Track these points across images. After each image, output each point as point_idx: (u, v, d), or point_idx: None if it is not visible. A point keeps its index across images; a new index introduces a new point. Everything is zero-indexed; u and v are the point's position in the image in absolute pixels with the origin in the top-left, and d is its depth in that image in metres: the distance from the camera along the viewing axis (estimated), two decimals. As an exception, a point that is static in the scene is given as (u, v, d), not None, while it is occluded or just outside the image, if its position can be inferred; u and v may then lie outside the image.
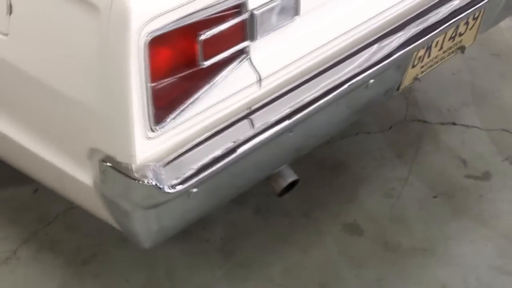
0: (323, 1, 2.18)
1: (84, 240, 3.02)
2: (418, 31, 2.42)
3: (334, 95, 2.18)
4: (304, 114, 2.11)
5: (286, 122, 2.07)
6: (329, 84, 2.19)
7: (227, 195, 2.21)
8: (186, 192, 1.94)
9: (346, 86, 2.20)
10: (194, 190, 1.98)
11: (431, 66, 2.71)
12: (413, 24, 2.41)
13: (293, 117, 2.10)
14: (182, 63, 1.87)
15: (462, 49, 2.79)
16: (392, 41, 2.34)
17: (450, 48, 2.75)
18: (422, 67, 2.66)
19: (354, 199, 3.16)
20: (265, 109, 2.08)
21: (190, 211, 2.06)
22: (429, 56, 2.65)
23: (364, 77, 2.25)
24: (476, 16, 2.74)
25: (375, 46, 2.31)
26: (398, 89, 2.62)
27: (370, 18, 2.32)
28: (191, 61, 1.88)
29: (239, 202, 3.15)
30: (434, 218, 3.09)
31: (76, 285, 2.87)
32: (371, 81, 2.33)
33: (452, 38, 2.70)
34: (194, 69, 1.89)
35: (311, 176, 3.27)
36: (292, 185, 2.50)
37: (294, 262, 2.92)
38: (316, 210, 3.13)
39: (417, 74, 2.65)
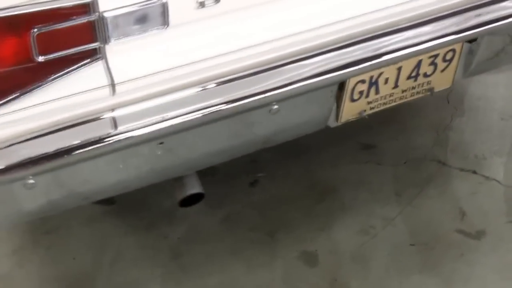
0: (202, 16, 2.01)
1: (54, 212, 3.03)
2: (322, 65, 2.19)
3: (204, 117, 2.03)
4: (157, 131, 1.98)
5: (134, 134, 1.96)
6: (200, 104, 2.03)
7: (81, 195, 2.13)
8: (20, 182, 1.89)
9: (217, 109, 2.04)
10: (31, 181, 1.92)
11: (385, 104, 2.49)
12: (320, 58, 2.18)
13: (144, 130, 1.97)
14: (14, 54, 1.81)
15: (431, 91, 2.50)
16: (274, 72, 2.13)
17: (414, 88, 2.48)
18: (369, 103, 2.42)
19: (327, 228, 2.97)
20: (117, 116, 1.97)
21: (31, 202, 2.01)
22: (377, 92, 2.38)
23: (242, 103, 2.07)
24: (449, 58, 2.44)
25: (267, 74, 2.12)
26: (337, 120, 2.38)
27: (267, 41, 2.13)
28: (24, 54, 1.82)
29: (213, 206, 3.06)
30: (399, 266, 2.85)
31: (29, 253, 2.91)
32: (275, 107, 2.13)
33: (413, 77, 2.43)
34: (30, 63, 1.83)
35: (295, 196, 3.15)
36: (198, 198, 2.36)
37: (234, 278, 2.80)
38: (283, 231, 2.97)
39: (364, 110, 2.43)
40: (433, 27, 2.35)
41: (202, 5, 2.00)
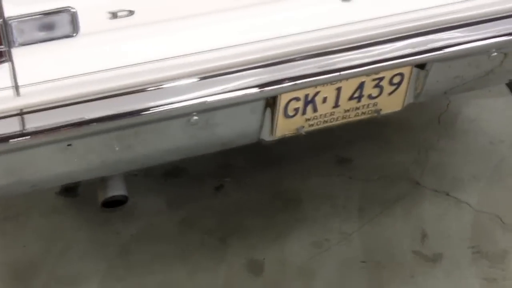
0: (115, 26, 2.00)
1: (19, 199, 3.06)
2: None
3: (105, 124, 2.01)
4: (61, 133, 1.98)
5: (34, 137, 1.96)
6: (103, 111, 2.02)
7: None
8: None
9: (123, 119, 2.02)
10: None
11: (326, 122, 2.43)
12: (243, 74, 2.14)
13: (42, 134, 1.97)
14: None
15: (377, 113, 2.42)
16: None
17: (358, 108, 2.40)
18: (308, 120, 2.37)
19: (281, 238, 2.90)
20: (24, 117, 1.97)
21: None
22: (315, 111, 2.32)
23: (151, 113, 2.04)
24: (396, 82, 2.35)
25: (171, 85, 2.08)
26: (272, 135, 2.34)
27: (181, 56, 2.09)
28: None
29: (172, 207, 3.04)
30: (344, 282, 2.77)
31: (-17, 238, 2.93)
32: (195, 118, 2.10)
33: (356, 98, 2.36)
34: None
35: (258, 203, 3.09)
36: (121, 201, 2.33)
37: (176, 280, 2.77)
38: (237, 237, 2.92)
39: (303, 126, 2.37)
40: (376, 50, 2.28)
41: (115, 16, 1.99)
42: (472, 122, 3.47)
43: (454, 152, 3.31)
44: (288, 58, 2.19)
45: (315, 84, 2.24)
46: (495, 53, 2.38)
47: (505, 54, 2.42)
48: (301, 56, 2.20)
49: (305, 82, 2.20)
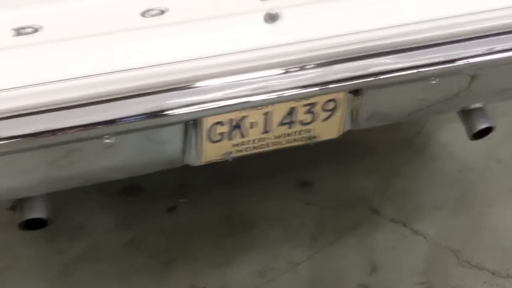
0: (19, 43, 1.93)
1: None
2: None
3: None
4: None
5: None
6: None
7: None
8: None
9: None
10: None
11: (256, 148, 2.33)
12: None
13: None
14: None
15: (311, 140, 2.31)
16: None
17: (290, 135, 2.31)
18: (235, 145, 2.27)
19: (226, 264, 2.82)
20: None
21: None
22: (244, 136, 2.24)
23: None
24: (330, 108, 2.24)
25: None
26: (199, 160, 2.28)
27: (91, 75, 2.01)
28: None
29: (121, 227, 2.97)
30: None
31: None
32: (107, 140, 2.02)
33: (287, 124, 2.26)
34: None
35: (209, 226, 3.01)
36: (42, 223, 2.27)
37: (109, 304, 2.68)
38: (181, 261, 2.85)
39: (230, 152, 2.27)
40: (305, 75, 2.16)
41: (18, 33, 1.91)
42: (444, 147, 3.33)
43: (420, 179, 3.18)
44: (209, 81, 2.06)
45: (238, 109, 2.13)
46: (435, 81, 2.24)
47: (448, 82, 2.28)
48: (223, 79, 2.09)
49: (224, 106, 2.09)
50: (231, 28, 2.09)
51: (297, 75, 2.14)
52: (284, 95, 2.14)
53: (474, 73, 2.30)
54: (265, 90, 2.13)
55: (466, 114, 2.57)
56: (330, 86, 2.15)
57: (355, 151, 3.31)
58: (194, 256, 2.86)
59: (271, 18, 2.07)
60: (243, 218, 3.02)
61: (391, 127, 3.28)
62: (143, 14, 1.96)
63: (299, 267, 2.82)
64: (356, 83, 2.17)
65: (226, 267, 2.82)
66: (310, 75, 2.14)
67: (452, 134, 3.41)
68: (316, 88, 2.15)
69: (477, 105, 2.54)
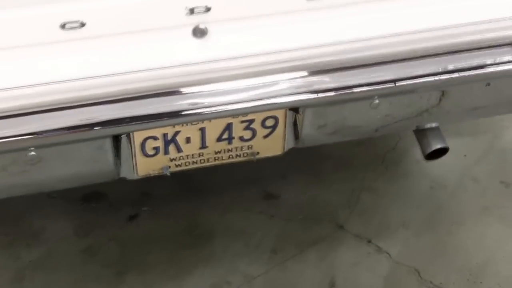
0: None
1: None
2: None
3: None
4: None
5: None
6: None
7: None
8: None
9: None
10: None
11: (195, 163, 2.27)
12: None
13: None
14: None
15: (254, 156, 2.24)
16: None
17: (230, 150, 2.25)
18: (173, 160, 2.23)
19: (180, 277, 2.77)
20: None
21: None
22: (180, 151, 2.20)
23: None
24: (270, 125, 2.17)
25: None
26: (135, 173, 2.23)
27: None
28: None
29: (79, 234, 2.94)
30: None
31: None
32: (32, 153, 1.98)
33: (225, 140, 2.19)
34: None
35: (168, 237, 2.94)
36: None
37: (60, 313, 2.61)
38: (135, 272, 2.79)
39: (168, 166, 2.23)
40: (237, 92, 2.09)
41: None
42: (417, 163, 3.23)
43: (390, 195, 3.09)
44: (137, 95, 2.01)
45: (166, 125, 2.06)
46: (377, 101, 2.14)
47: (393, 102, 2.19)
48: (151, 94, 2.01)
49: (150, 122, 2.04)
50: (159, 42, 2.04)
51: (228, 92, 2.07)
52: (214, 111, 2.08)
53: (419, 93, 2.20)
54: (195, 106, 2.06)
55: (421, 134, 2.47)
56: (263, 103, 2.08)
57: (327, 164, 3.22)
58: (148, 267, 2.79)
59: (201, 32, 1.99)
60: (204, 229, 2.94)
61: (366, 141, 3.20)
62: (63, 27, 1.89)
63: (254, 281, 2.75)
64: (288, 101, 2.11)
65: (181, 280, 2.75)
66: (242, 92, 2.06)
67: (427, 150, 3.28)
68: (248, 105, 2.08)
69: (433, 125, 2.42)
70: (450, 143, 3.20)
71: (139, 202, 3.06)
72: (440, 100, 2.27)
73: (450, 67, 2.11)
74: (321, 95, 2.11)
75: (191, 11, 1.98)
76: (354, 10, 2.09)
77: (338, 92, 2.11)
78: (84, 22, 1.94)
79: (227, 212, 3.02)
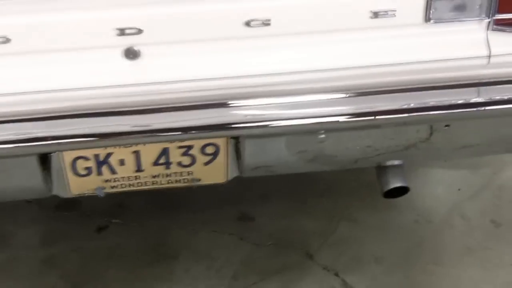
0: None
1: None
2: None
3: None
4: None
5: None
6: None
7: None
8: None
9: None
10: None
11: (132, 185, 2.19)
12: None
13: None
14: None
15: (195, 182, 2.15)
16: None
17: (169, 175, 2.15)
18: (107, 181, 2.15)
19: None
20: None
21: None
22: (114, 172, 2.12)
23: None
24: (210, 152, 2.07)
25: None
26: (68, 192, 2.16)
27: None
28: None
29: (44, 243, 2.93)
30: None
31: None
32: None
33: (163, 165, 2.10)
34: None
35: (132, 252, 2.86)
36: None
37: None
38: (91, 286, 2.69)
39: (103, 187, 2.17)
40: (163, 118, 1.98)
41: None
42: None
43: (369, 226, 2.93)
44: (63, 114, 1.93)
45: (91, 146, 1.99)
46: (324, 135, 2.01)
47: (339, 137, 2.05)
48: (78, 114, 1.93)
49: (74, 142, 1.96)
50: (90, 62, 1.96)
51: (158, 117, 1.96)
52: (140, 136, 1.97)
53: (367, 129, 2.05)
54: (121, 129, 1.96)
55: (381, 171, 2.30)
56: (188, 132, 1.98)
57: (312, 189, 3.08)
58: (105, 283, 2.72)
59: (133, 54, 1.90)
60: (170, 248, 2.85)
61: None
62: None
63: (210, 306, 2.62)
64: (218, 131, 1.99)
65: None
66: (172, 118, 1.96)
67: (418, 182, 3.13)
68: (173, 133, 1.95)
69: (395, 162, 2.26)
70: (446, 175, 3.05)
71: (111, 213, 2.99)
72: (392, 138, 2.11)
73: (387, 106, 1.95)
74: (257, 124, 1.98)
75: (122, 32, 1.87)
76: (296, 41, 1.96)
77: (276, 124, 1.97)
78: (9, 37, 1.86)
79: (198, 232, 2.92)
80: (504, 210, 2.99)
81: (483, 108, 1.97)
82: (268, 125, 1.97)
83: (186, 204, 2.99)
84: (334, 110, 2.01)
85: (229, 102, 1.97)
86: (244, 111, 1.97)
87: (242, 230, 2.92)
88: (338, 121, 2.00)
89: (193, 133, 1.98)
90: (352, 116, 2.00)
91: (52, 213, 3.00)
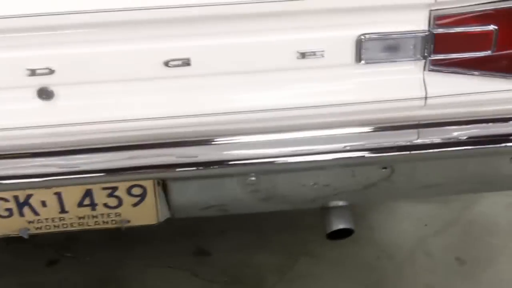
0: None
1: None
2: None
3: None
4: None
5: None
6: None
7: None
8: None
9: None
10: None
11: (57, 226, 2.10)
12: None
13: None
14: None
15: (123, 223, 2.06)
16: None
17: (96, 217, 2.08)
18: (31, 222, 2.07)
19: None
20: None
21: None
22: (37, 214, 2.04)
23: None
24: (137, 194, 1.98)
25: None
26: None
27: None
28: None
29: None
30: None
31: None
32: None
33: (89, 206, 2.03)
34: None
35: (82, 287, 2.76)
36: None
37: None
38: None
39: (27, 229, 2.08)
40: (84, 159, 1.90)
41: None
42: (370, 229, 2.96)
43: (330, 262, 2.82)
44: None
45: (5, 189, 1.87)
46: (253, 178, 1.91)
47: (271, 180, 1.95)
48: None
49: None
50: (4, 102, 1.86)
51: (72, 159, 1.88)
52: (55, 178, 1.87)
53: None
54: (33, 172, 1.89)
55: (325, 212, 2.19)
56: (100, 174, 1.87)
57: (274, 222, 2.97)
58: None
59: (46, 94, 1.81)
60: (121, 284, 2.76)
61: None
62: None
63: None
64: (131, 174, 1.89)
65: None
66: (86, 161, 1.86)
67: (383, 217, 3.01)
68: (90, 175, 1.86)
69: (340, 203, 2.15)
70: (415, 209, 2.93)
71: (65, 246, 2.90)
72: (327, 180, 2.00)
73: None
74: (179, 168, 1.90)
75: (33, 72, 1.78)
76: (219, 82, 1.86)
77: (193, 168, 1.86)
78: None
79: (151, 267, 2.81)
80: (470, 247, 2.87)
81: (415, 152, 1.86)
82: (188, 169, 1.87)
83: (141, 237, 2.89)
84: (263, 152, 1.89)
85: (149, 144, 1.86)
86: (164, 155, 1.87)
87: (197, 266, 2.82)
88: (266, 163, 1.88)
89: (106, 176, 1.89)
90: (283, 158, 1.89)
91: (5, 245, 2.90)
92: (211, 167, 1.90)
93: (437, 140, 1.90)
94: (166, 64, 1.80)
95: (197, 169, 1.90)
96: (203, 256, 2.86)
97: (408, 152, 1.89)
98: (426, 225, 2.97)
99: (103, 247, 2.88)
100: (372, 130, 1.91)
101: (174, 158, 1.89)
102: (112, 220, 2.07)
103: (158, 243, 2.90)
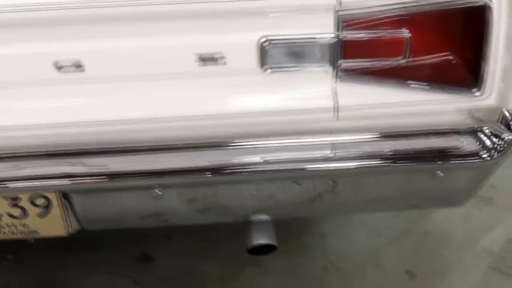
0: None
1: None
2: None
3: None
4: None
5: None
6: None
7: None
8: None
9: None
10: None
11: None
12: None
13: None
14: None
15: (32, 234, 1.98)
16: None
17: (2, 226, 2.00)
18: None
19: None
20: None
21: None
22: None
23: None
24: (41, 204, 1.92)
25: None
26: None
27: None
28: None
29: None
30: None
31: None
32: None
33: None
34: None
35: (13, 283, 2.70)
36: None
37: None
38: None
39: None
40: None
41: None
42: (322, 238, 2.84)
43: (276, 272, 2.72)
44: None
45: None
46: (160, 192, 1.81)
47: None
48: None
49: None
50: None
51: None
52: None
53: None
54: None
55: (247, 226, 2.08)
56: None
57: (222, 230, 2.86)
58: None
59: None
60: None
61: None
62: None
63: None
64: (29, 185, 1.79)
65: None
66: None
67: (336, 225, 2.90)
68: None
69: (262, 218, 2.04)
70: (369, 218, 2.81)
71: (8, 248, 2.81)
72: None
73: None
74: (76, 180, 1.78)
75: None
76: (112, 88, 1.75)
77: (92, 180, 1.78)
78: None
79: (93, 273, 2.73)
80: (422, 259, 2.74)
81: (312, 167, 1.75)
82: (81, 180, 1.76)
83: (86, 241, 2.79)
84: (167, 165, 1.78)
85: (42, 155, 1.76)
86: (60, 165, 1.77)
87: (139, 273, 2.73)
88: (171, 176, 1.78)
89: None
90: (188, 171, 1.79)
91: None
92: (103, 180, 1.79)
93: (348, 154, 1.78)
94: (57, 66, 1.69)
95: (93, 181, 1.79)
96: (146, 263, 2.78)
97: (313, 167, 1.77)
98: (379, 235, 2.85)
99: (47, 251, 2.80)
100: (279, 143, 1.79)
101: (70, 169, 1.78)
102: (19, 231, 1.99)
103: (104, 248, 2.81)
